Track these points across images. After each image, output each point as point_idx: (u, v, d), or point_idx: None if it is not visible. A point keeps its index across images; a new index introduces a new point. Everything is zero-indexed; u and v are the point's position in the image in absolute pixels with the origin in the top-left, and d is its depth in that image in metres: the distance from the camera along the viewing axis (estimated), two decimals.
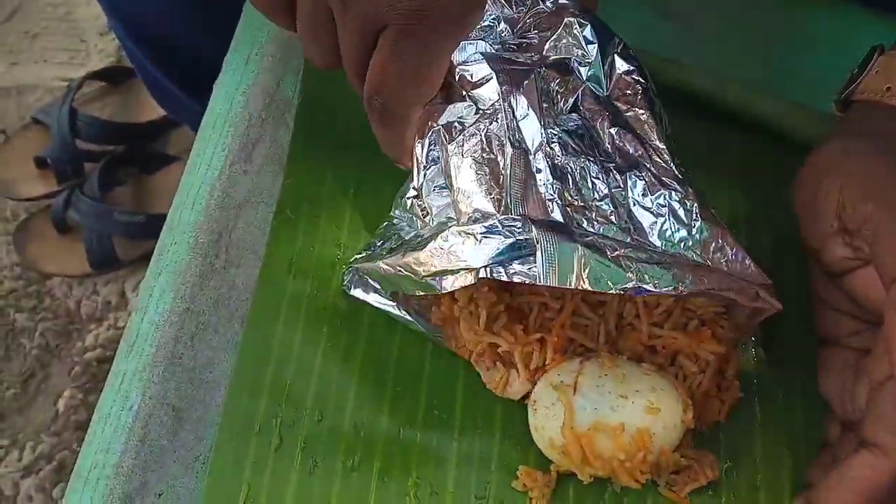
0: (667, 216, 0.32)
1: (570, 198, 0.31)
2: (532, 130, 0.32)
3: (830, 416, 0.34)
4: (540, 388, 0.34)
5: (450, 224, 0.32)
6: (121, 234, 0.88)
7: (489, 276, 0.30)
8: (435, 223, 0.33)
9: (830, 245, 0.32)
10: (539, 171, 0.31)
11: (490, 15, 0.35)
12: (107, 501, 0.34)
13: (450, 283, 0.31)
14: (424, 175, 0.34)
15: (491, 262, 0.30)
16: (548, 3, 0.36)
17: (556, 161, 0.32)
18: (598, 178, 0.32)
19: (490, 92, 0.33)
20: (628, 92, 0.35)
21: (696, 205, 0.32)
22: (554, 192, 0.31)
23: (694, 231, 0.32)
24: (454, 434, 0.35)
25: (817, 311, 0.35)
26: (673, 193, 0.32)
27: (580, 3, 0.36)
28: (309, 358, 0.37)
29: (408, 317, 0.36)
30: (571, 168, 0.32)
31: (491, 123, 0.32)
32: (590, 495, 0.34)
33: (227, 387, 0.36)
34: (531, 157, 0.32)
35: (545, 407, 0.33)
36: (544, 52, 0.35)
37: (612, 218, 0.31)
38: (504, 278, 0.30)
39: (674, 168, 0.33)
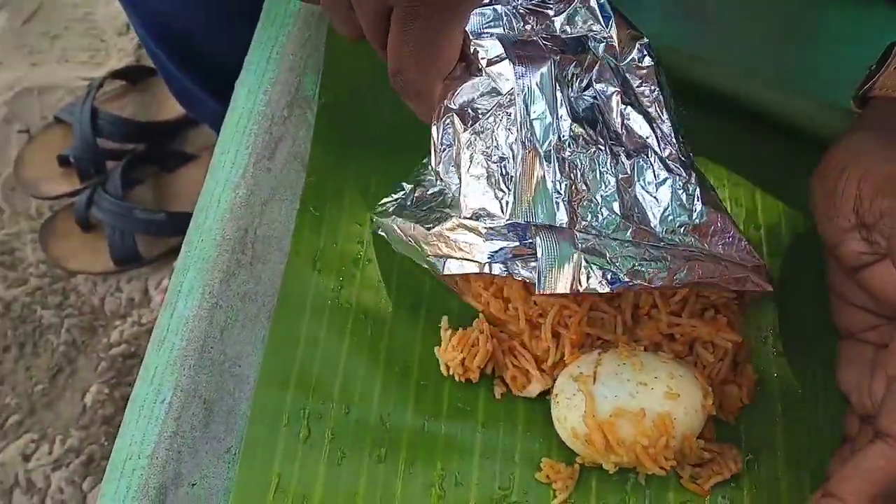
0: (670, 202, 0.33)
1: (577, 192, 0.32)
2: (545, 128, 0.32)
3: (850, 410, 0.34)
4: (561, 381, 0.34)
5: (453, 214, 0.33)
6: (142, 232, 0.89)
7: (490, 272, 0.31)
8: (450, 199, 0.34)
9: (847, 240, 0.32)
10: (549, 170, 0.32)
11: None
12: (142, 491, 0.35)
13: (453, 267, 0.32)
14: (441, 158, 0.34)
15: (494, 259, 0.31)
16: None
17: (566, 156, 0.32)
18: (606, 169, 0.32)
19: (505, 71, 0.33)
20: (641, 65, 0.35)
21: (698, 189, 0.33)
22: (562, 190, 0.32)
23: (694, 216, 0.33)
24: (478, 426, 0.36)
25: (834, 306, 0.35)
26: (677, 179, 0.33)
27: None
28: (335, 351, 0.38)
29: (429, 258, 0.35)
30: (581, 162, 0.32)
31: (504, 118, 0.33)
32: (613, 486, 0.34)
33: (256, 380, 0.37)
34: (542, 157, 0.32)
35: (567, 398, 0.33)
36: (559, 28, 0.35)
37: (617, 207, 0.32)
38: (501, 274, 0.31)
39: (678, 151, 0.34)
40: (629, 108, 0.33)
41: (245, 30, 0.47)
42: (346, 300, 0.39)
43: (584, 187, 0.32)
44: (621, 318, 0.35)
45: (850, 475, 0.30)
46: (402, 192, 0.37)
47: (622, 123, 0.33)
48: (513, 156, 0.32)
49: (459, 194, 0.33)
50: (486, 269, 0.31)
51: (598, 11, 0.35)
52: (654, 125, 0.34)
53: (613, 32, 0.35)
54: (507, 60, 0.33)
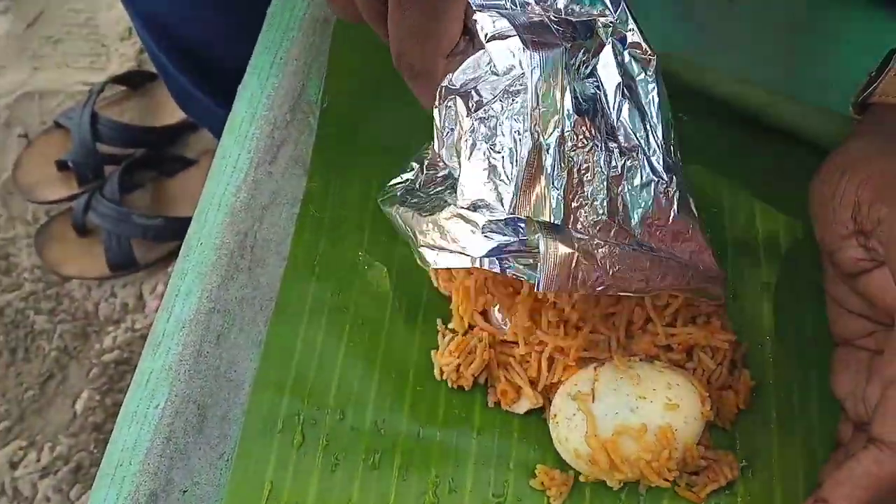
0: (651, 204, 0.33)
1: (571, 188, 0.31)
2: (552, 121, 0.32)
3: (844, 417, 0.34)
4: (559, 401, 0.34)
5: (452, 202, 0.32)
6: (139, 237, 0.89)
7: (485, 266, 0.30)
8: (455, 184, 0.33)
9: (845, 247, 0.32)
10: (551, 164, 0.31)
11: None
12: (132, 498, 0.35)
13: (443, 261, 0.31)
14: (444, 142, 0.33)
15: (489, 254, 0.30)
16: None
17: (566, 150, 0.32)
18: (599, 167, 0.32)
19: (508, 48, 0.32)
20: (644, 55, 0.34)
21: (677, 193, 0.33)
22: (560, 187, 0.31)
23: (670, 221, 0.33)
24: (473, 433, 0.36)
25: (831, 312, 0.35)
26: (660, 182, 0.33)
27: None
28: (331, 357, 0.37)
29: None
30: (578, 157, 0.32)
31: (510, 106, 0.31)
32: (608, 494, 0.34)
33: (251, 385, 0.37)
34: (546, 151, 0.31)
35: (566, 419, 0.33)
36: (563, 7, 0.34)
37: (604, 206, 0.32)
38: (497, 271, 0.30)
39: (664, 153, 0.33)
40: (626, 103, 0.33)
41: (248, 34, 0.47)
42: (345, 305, 0.39)
43: (579, 183, 0.32)
44: (616, 335, 0.35)
45: (843, 481, 0.30)
46: (411, 173, 0.36)
47: (618, 118, 0.33)
48: (517, 147, 0.31)
49: (458, 183, 0.32)
50: (479, 264, 0.30)
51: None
52: (648, 124, 0.33)
53: (622, 16, 0.34)
54: (513, 39, 0.32)
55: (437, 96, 0.32)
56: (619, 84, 0.33)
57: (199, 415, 0.37)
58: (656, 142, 0.33)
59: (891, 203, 0.30)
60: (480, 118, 0.32)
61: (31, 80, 1.04)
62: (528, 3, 0.33)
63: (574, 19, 0.33)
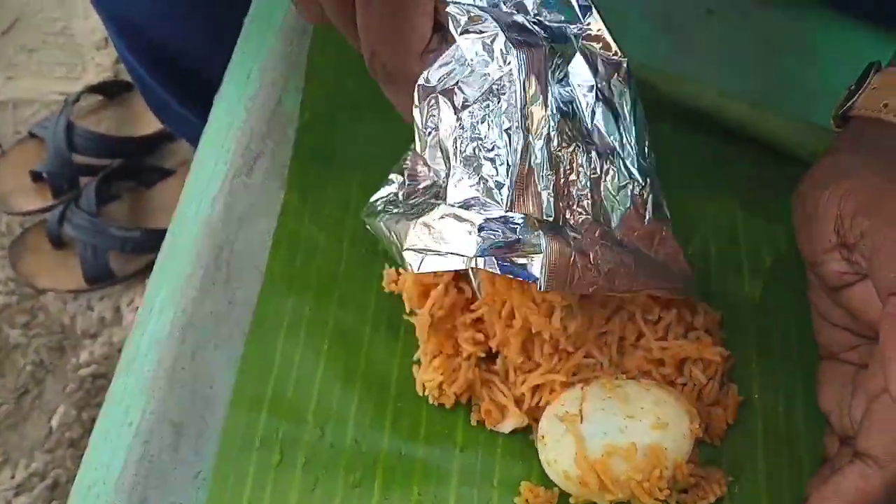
0: (629, 206, 0.33)
1: (559, 188, 0.31)
2: (539, 117, 0.31)
3: (829, 431, 0.34)
4: (546, 423, 0.33)
5: (439, 200, 0.31)
6: (116, 249, 0.88)
7: (480, 266, 0.30)
8: (440, 190, 0.32)
9: (828, 260, 0.32)
10: (540, 161, 0.31)
11: None
12: None
13: (429, 265, 0.30)
14: (426, 143, 0.32)
15: (484, 253, 0.30)
16: None
17: (553, 150, 0.31)
18: (582, 168, 0.32)
19: (480, 46, 0.31)
20: (615, 59, 0.34)
21: (651, 197, 0.33)
22: (549, 184, 0.31)
23: (646, 222, 0.33)
24: (456, 450, 0.35)
25: (815, 325, 0.35)
26: (636, 185, 0.33)
27: None
28: (310, 373, 0.37)
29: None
30: (563, 157, 0.32)
31: (497, 106, 0.31)
32: None
33: (228, 402, 0.36)
34: (535, 149, 0.31)
35: (555, 440, 0.33)
36: (531, 7, 0.33)
37: (588, 206, 0.32)
38: (496, 271, 0.30)
39: (638, 155, 0.34)
40: (600, 106, 0.33)
41: (225, 44, 0.46)
42: (323, 320, 0.38)
43: (565, 183, 0.32)
44: (608, 350, 0.35)
45: (829, 496, 0.30)
46: (393, 186, 0.35)
47: (592, 121, 0.33)
48: (509, 144, 0.31)
49: (447, 183, 0.31)
50: (474, 264, 0.30)
51: (574, 4, 0.34)
52: (622, 126, 0.33)
53: (592, 21, 0.34)
54: (497, 36, 0.31)
55: (416, 96, 0.32)
56: (592, 87, 0.33)
57: (175, 433, 0.36)
58: (630, 144, 0.33)
59: (873, 216, 0.30)
60: (468, 117, 0.31)
61: (5, 88, 1.03)
62: (498, 5, 0.33)
63: (549, 24, 0.33)
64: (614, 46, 0.33)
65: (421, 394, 0.36)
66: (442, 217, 0.31)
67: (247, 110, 0.44)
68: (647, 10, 0.47)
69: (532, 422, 0.35)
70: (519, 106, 0.31)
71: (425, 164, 0.33)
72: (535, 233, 0.30)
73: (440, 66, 0.31)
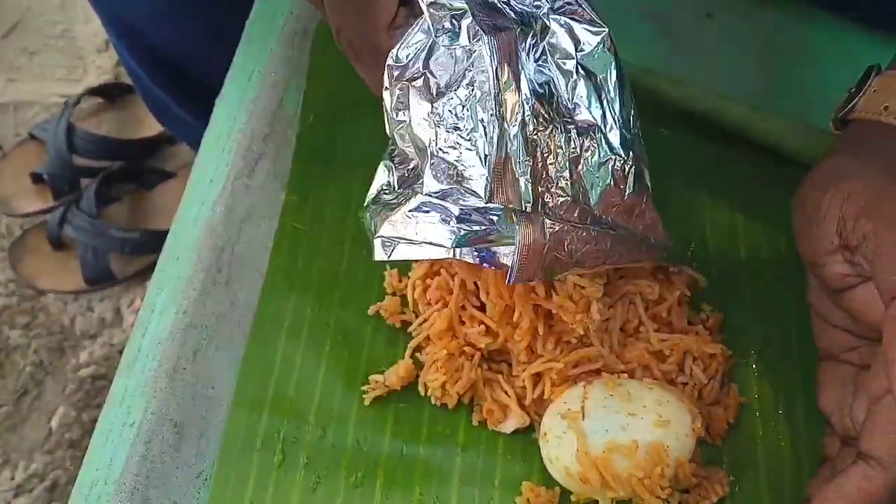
0: (609, 182, 0.33)
1: (537, 172, 0.31)
2: (513, 102, 0.31)
3: (830, 431, 0.34)
4: (548, 420, 0.34)
5: (417, 189, 0.31)
6: (117, 251, 0.88)
7: (457, 257, 0.30)
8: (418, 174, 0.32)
9: (830, 262, 0.32)
10: (516, 148, 0.31)
11: None
12: None
13: (401, 253, 0.30)
14: (394, 126, 0.32)
15: (461, 244, 0.30)
16: None
17: (528, 134, 0.31)
18: (561, 149, 0.32)
19: (448, 20, 0.31)
20: (593, 30, 0.33)
21: (633, 169, 0.33)
22: (527, 170, 0.31)
23: (626, 197, 0.33)
24: (458, 450, 0.35)
25: (815, 326, 0.35)
26: (617, 160, 0.33)
27: None
28: (311, 374, 0.37)
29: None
30: (541, 141, 0.31)
31: (473, 91, 0.31)
32: None
33: (230, 402, 0.36)
34: (511, 137, 0.31)
35: (557, 437, 0.33)
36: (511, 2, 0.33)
37: (567, 187, 0.32)
38: (473, 261, 0.30)
39: (622, 127, 0.33)
40: (581, 80, 0.33)
41: (225, 46, 0.46)
42: (325, 321, 0.38)
43: (543, 167, 0.31)
44: (609, 338, 0.35)
45: (833, 497, 0.30)
46: (384, 178, 0.35)
47: (572, 98, 0.32)
48: (485, 133, 0.31)
49: (424, 172, 0.31)
50: (451, 255, 0.30)
51: None
52: (605, 99, 0.33)
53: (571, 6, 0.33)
54: (465, 18, 0.31)
55: (386, 77, 0.31)
56: (572, 60, 0.32)
57: (176, 433, 0.36)
58: (613, 117, 0.33)
59: (875, 218, 0.30)
60: (442, 105, 0.31)
61: (6, 91, 1.03)
62: None
63: (515, 5, 0.33)
64: (592, 15, 0.33)
65: (423, 394, 0.36)
66: (417, 207, 0.31)
67: (248, 112, 0.44)
68: (648, 13, 0.48)
69: (534, 419, 0.35)
70: (493, 94, 0.30)
71: (395, 143, 0.33)
72: (511, 224, 0.30)
73: (409, 45, 0.31)
